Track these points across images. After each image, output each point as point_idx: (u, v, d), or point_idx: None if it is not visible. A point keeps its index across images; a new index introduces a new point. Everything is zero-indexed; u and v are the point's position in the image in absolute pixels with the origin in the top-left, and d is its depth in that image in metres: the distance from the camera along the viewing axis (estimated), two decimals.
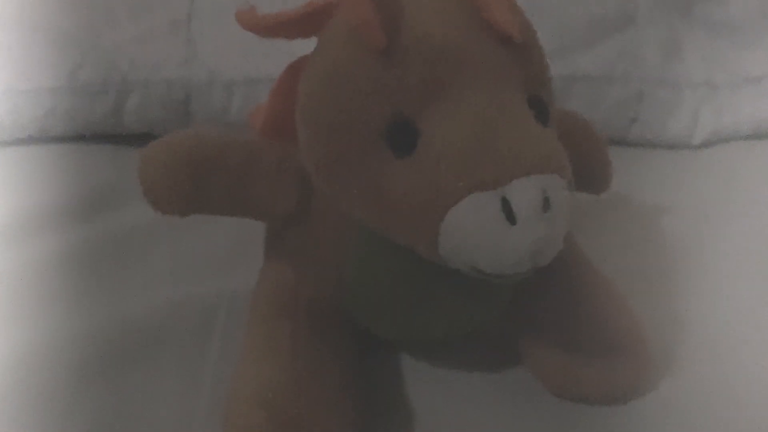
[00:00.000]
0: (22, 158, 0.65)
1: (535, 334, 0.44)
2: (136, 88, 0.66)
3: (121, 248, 0.56)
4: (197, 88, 0.66)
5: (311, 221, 0.42)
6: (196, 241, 0.56)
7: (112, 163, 0.64)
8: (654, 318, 0.47)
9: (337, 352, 0.43)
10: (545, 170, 0.34)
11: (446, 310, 0.42)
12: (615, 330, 0.43)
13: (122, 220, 0.58)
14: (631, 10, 0.68)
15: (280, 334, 0.41)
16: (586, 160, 0.49)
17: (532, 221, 0.33)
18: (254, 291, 0.45)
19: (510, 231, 0.33)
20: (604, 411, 0.43)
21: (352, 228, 0.41)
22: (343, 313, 0.44)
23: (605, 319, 0.44)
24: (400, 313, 0.42)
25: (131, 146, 0.65)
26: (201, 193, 0.41)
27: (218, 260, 0.54)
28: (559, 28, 0.67)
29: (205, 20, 0.67)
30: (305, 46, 0.40)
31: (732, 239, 0.57)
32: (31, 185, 0.61)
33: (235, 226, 0.52)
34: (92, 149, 0.66)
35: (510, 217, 0.33)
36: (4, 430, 0.42)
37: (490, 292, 0.42)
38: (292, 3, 0.39)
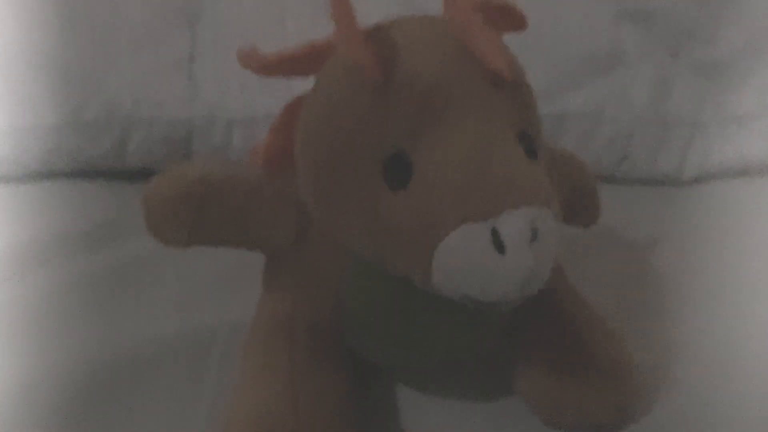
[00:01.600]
0: (26, 193, 0.66)
1: (526, 363, 0.45)
2: (139, 127, 0.67)
3: (122, 280, 0.56)
4: (199, 126, 0.67)
5: (309, 251, 0.43)
6: (195, 272, 0.56)
7: (114, 198, 0.66)
8: (642, 347, 0.47)
9: (335, 377, 0.43)
10: (533, 202, 0.35)
11: (440, 339, 0.43)
12: (603, 359, 0.44)
13: (123, 252, 0.59)
14: (620, 52, 0.69)
15: (278, 358, 0.42)
16: (576, 193, 0.50)
17: (521, 251, 0.34)
18: (253, 319, 0.46)
19: (500, 260, 0.34)
20: None
21: (348, 257, 0.41)
22: (341, 340, 0.44)
23: (593, 348, 0.44)
24: (395, 340, 0.43)
25: (132, 182, 0.66)
26: (203, 224, 0.42)
27: (217, 291, 0.55)
28: (550, 69, 0.68)
29: (207, 60, 0.68)
30: (303, 84, 0.41)
31: (720, 272, 0.57)
32: (34, 219, 0.62)
33: (233, 258, 0.52)
34: (94, 185, 0.68)
35: (500, 247, 0.34)
36: None
37: (483, 321, 0.43)
38: (291, 42, 0.40)
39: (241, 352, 0.44)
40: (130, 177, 0.67)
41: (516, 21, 0.40)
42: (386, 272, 0.39)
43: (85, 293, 0.55)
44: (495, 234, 0.34)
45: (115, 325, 0.52)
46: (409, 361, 0.45)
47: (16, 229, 0.61)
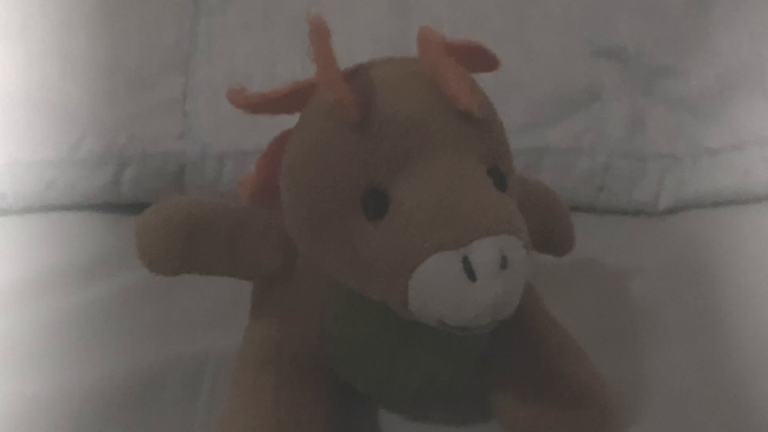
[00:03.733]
0: (24, 226, 0.67)
1: (504, 389, 0.46)
2: (133, 161, 0.68)
3: (116, 309, 0.58)
4: (191, 160, 0.68)
5: (295, 280, 0.45)
6: (185, 302, 0.57)
7: (108, 230, 0.67)
8: (617, 374, 0.48)
9: (319, 405, 0.45)
10: (503, 232, 0.37)
11: (420, 364, 0.44)
12: (577, 384, 0.45)
13: (117, 283, 0.60)
14: (596, 88, 0.71)
15: (264, 386, 0.44)
16: (549, 222, 0.51)
17: (491, 278, 0.36)
18: (240, 346, 0.47)
19: (471, 287, 0.36)
20: None
21: (332, 286, 0.43)
22: (325, 367, 0.46)
23: (567, 374, 0.46)
24: (376, 366, 0.44)
25: (127, 214, 0.67)
26: (193, 254, 0.43)
27: (206, 320, 0.56)
28: (530, 105, 0.69)
29: (200, 98, 0.69)
30: (291, 120, 0.43)
31: (693, 300, 0.58)
32: (31, 252, 0.63)
33: (221, 289, 0.54)
34: (89, 218, 0.68)
35: (471, 274, 0.36)
36: None
37: (461, 347, 0.44)
38: (280, 82, 0.42)
39: (229, 379, 0.45)
40: (124, 209, 0.68)
41: (487, 62, 0.43)
42: (368, 300, 0.40)
43: (81, 323, 0.56)
44: (466, 262, 0.36)
45: (109, 355, 0.53)
46: (391, 388, 0.46)
47: (13, 261, 0.62)
